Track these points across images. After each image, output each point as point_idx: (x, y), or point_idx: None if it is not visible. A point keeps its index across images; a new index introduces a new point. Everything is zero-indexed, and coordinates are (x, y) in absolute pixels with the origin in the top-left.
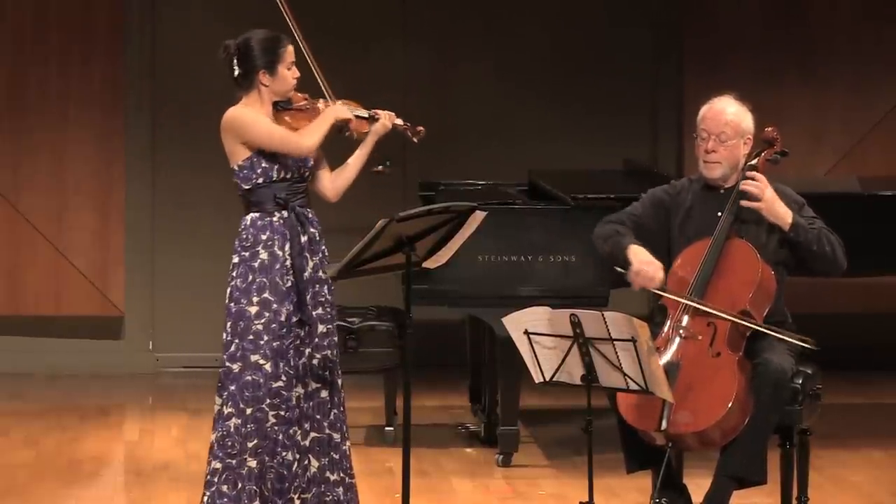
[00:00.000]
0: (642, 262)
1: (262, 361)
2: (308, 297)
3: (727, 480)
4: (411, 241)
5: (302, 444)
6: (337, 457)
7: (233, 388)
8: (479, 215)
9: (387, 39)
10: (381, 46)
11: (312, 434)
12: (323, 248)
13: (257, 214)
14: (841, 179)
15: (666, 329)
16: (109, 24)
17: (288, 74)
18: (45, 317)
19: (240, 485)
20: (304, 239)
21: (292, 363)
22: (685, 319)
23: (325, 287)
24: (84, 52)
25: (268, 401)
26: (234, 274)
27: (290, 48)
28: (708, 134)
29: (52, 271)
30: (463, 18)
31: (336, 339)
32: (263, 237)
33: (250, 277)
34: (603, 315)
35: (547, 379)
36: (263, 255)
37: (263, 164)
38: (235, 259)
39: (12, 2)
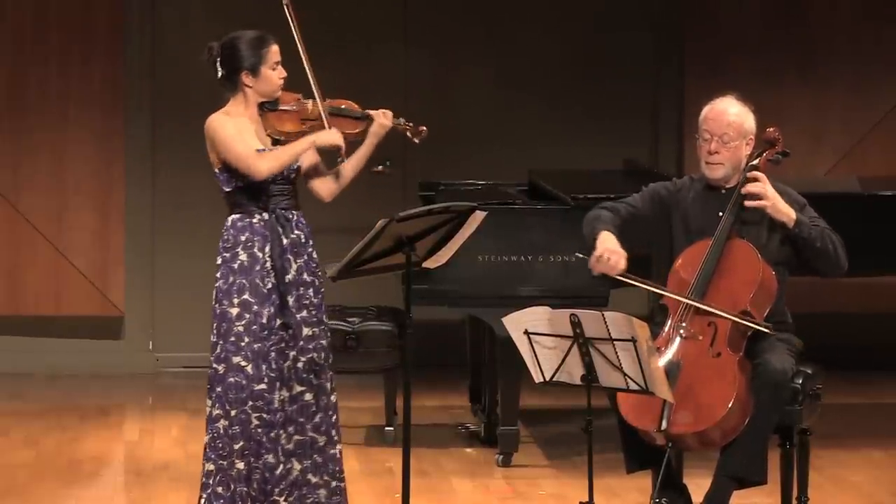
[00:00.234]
0: (607, 248)
1: (243, 363)
2: (292, 299)
3: (727, 480)
4: (411, 241)
5: (286, 447)
6: (321, 460)
7: (219, 389)
8: (479, 215)
9: (388, 42)
10: (382, 49)
11: (295, 437)
12: (310, 250)
13: (238, 216)
14: (841, 179)
15: (666, 329)
16: (109, 24)
17: (272, 75)
18: (45, 317)
19: (232, 486)
20: (286, 241)
21: (275, 365)
22: (685, 320)
23: (311, 290)
24: (84, 52)
25: (250, 403)
26: (217, 275)
27: (275, 48)
28: (710, 135)
29: (52, 271)
30: (464, 21)
31: (324, 341)
32: (243, 238)
33: (231, 279)
34: (603, 315)
35: (547, 379)
36: (243, 257)
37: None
38: (219, 260)
39: (12, 2)
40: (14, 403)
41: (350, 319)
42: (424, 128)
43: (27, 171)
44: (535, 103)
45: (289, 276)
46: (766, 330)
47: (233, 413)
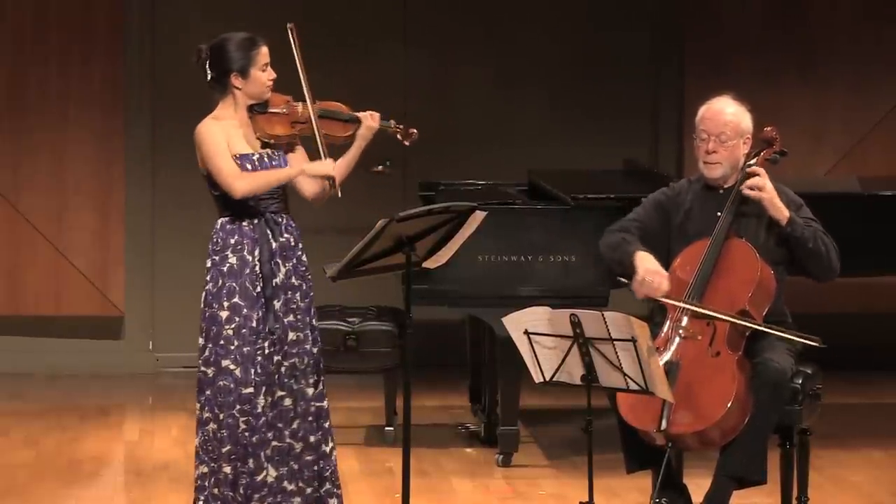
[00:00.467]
0: (648, 270)
1: (232, 366)
2: (279, 303)
3: (727, 480)
4: (411, 241)
5: (266, 452)
6: (297, 467)
7: (208, 392)
8: (479, 215)
9: (388, 42)
10: (382, 49)
11: (273, 443)
12: (299, 253)
13: (227, 218)
14: (841, 179)
15: (666, 329)
16: (109, 24)
17: (262, 76)
18: (45, 317)
19: (218, 490)
20: (274, 245)
21: (260, 370)
22: (685, 319)
23: (298, 293)
24: (84, 52)
25: (238, 406)
26: (207, 278)
27: (264, 50)
28: (707, 135)
29: (52, 271)
30: (463, 21)
31: (309, 346)
32: (232, 241)
33: (220, 282)
34: (603, 315)
35: (547, 379)
36: (232, 260)
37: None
38: (208, 263)
39: (12, 2)
40: (14, 403)
41: (350, 319)
42: (415, 130)
43: (27, 171)
44: (535, 103)
45: (277, 280)
46: (791, 338)
47: (221, 417)
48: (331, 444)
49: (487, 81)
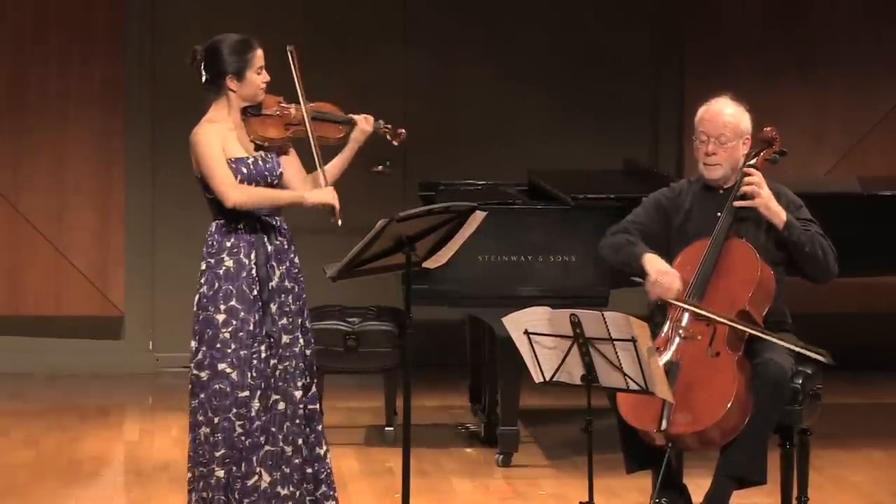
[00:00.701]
0: (659, 271)
1: (228, 370)
2: (275, 307)
3: (727, 480)
4: (411, 241)
5: (260, 457)
6: (288, 471)
7: (202, 396)
8: (479, 215)
9: (388, 43)
10: (382, 49)
11: (267, 447)
12: (291, 256)
13: (222, 221)
14: (841, 179)
15: (666, 329)
16: (109, 24)
17: (256, 79)
18: (45, 317)
19: (208, 494)
20: (270, 248)
21: (255, 373)
22: (685, 319)
23: (291, 296)
24: (84, 52)
25: (234, 410)
26: (201, 281)
27: (259, 52)
28: (707, 136)
29: (52, 271)
30: (463, 21)
31: (297, 349)
32: (228, 244)
33: (216, 285)
34: (603, 315)
35: (547, 379)
36: (229, 263)
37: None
38: (203, 266)
39: (12, 2)
40: (14, 403)
41: (350, 319)
42: (403, 130)
43: (27, 171)
44: (535, 103)
45: (272, 284)
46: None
47: (216, 420)
48: (325, 447)
49: (487, 81)
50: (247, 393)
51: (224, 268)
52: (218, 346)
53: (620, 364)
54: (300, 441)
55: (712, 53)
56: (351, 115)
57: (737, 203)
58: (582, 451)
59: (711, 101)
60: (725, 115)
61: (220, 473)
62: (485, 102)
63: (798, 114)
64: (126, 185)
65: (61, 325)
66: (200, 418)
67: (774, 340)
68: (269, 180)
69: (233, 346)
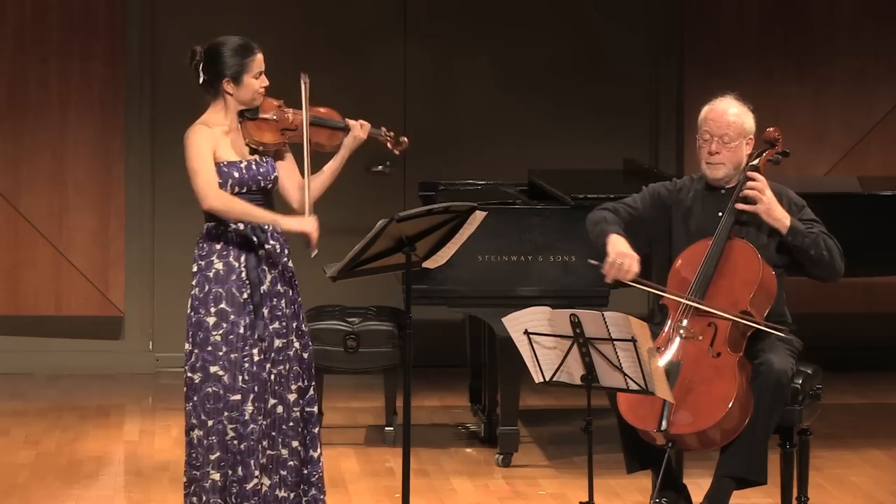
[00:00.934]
0: (619, 253)
1: (220, 373)
2: (266, 311)
3: (727, 480)
4: (411, 241)
5: (260, 461)
6: (284, 473)
7: (195, 399)
8: (479, 215)
9: (388, 42)
10: (382, 49)
11: (269, 452)
12: (285, 260)
13: (213, 223)
14: (841, 179)
15: (666, 329)
16: (109, 24)
17: (254, 83)
18: (45, 317)
19: (203, 498)
20: (261, 251)
21: (248, 376)
22: (685, 319)
23: (283, 300)
24: (84, 52)
25: (226, 413)
26: (193, 283)
27: (259, 57)
28: (710, 136)
29: (52, 271)
30: (464, 21)
31: (296, 351)
32: (218, 247)
33: (206, 287)
34: (603, 315)
35: (547, 379)
36: (218, 265)
37: (217, 180)
38: (194, 268)
39: (12, 2)
40: (14, 403)
41: (350, 319)
42: (405, 139)
43: (27, 171)
44: (535, 103)
45: (263, 288)
46: (783, 334)
47: (209, 423)
48: (319, 450)
49: (487, 81)
50: (238, 396)
51: (214, 270)
52: (209, 348)
53: (620, 364)
54: (295, 444)
55: (712, 53)
56: (348, 121)
57: (738, 206)
58: (582, 451)
59: (716, 101)
60: (729, 114)
61: (216, 476)
62: (485, 102)
63: (798, 114)
64: (126, 185)
65: (61, 325)
66: (194, 421)
67: (770, 331)
68: (262, 184)
69: (224, 349)
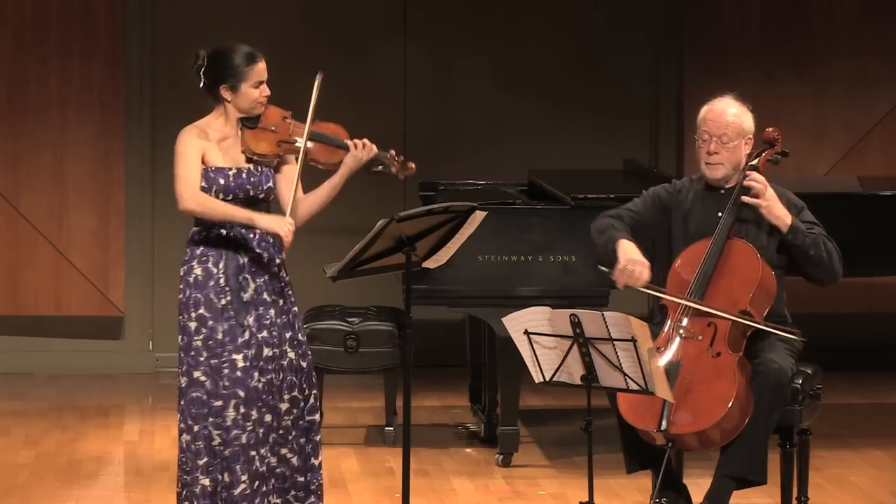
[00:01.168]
0: (629, 259)
1: (203, 378)
2: (252, 319)
3: (727, 480)
4: (411, 241)
5: (259, 469)
6: (273, 481)
7: (182, 403)
8: (479, 215)
9: (388, 42)
10: (382, 49)
11: (255, 457)
12: (274, 269)
13: (197, 228)
14: (841, 179)
15: (666, 329)
16: (109, 24)
17: (252, 93)
18: (45, 317)
19: (194, 503)
20: (243, 259)
21: (227, 382)
22: (685, 319)
23: (272, 310)
24: (84, 52)
25: (210, 419)
26: (180, 286)
27: (260, 66)
28: (709, 136)
29: (52, 271)
30: (464, 21)
31: (292, 361)
32: (198, 252)
33: (188, 292)
34: (603, 315)
35: (547, 379)
36: (198, 271)
37: (202, 184)
38: (181, 272)
39: (12, 2)
40: (14, 403)
41: (350, 319)
42: (413, 165)
43: (27, 171)
44: (535, 103)
45: (245, 296)
46: (794, 337)
47: (195, 428)
48: (319, 458)
49: (487, 81)
50: (220, 402)
51: (193, 276)
52: (192, 353)
53: (620, 364)
54: (284, 451)
55: (712, 53)
56: (354, 141)
57: (743, 199)
58: (582, 451)
59: (715, 101)
60: (728, 114)
61: (206, 482)
62: (485, 102)
63: (798, 114)
64: (126, 185)
65: (61, 325)
66: (182, 425)
67: (770, 330)
68: (251, 193)
69: (204, 355)
